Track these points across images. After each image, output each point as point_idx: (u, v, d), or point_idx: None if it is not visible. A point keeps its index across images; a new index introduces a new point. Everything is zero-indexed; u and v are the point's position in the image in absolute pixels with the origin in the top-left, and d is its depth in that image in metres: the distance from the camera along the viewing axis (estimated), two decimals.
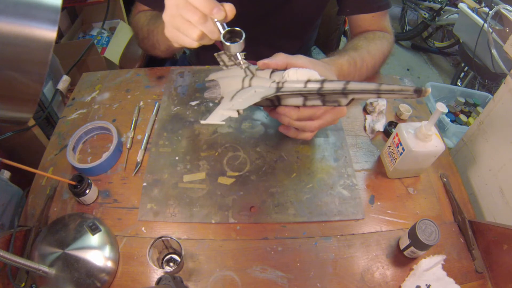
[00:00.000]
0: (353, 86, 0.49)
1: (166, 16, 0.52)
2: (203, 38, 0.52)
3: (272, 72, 0.58)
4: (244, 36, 0.51)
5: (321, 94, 0.53)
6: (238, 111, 0.55)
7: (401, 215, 0.64)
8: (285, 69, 0.57)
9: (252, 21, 0.84)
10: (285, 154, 0.70)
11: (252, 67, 0.60)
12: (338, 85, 0.50)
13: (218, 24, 0.50)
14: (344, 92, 0.50)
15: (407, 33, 2.68)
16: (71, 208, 0.63)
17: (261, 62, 0.58)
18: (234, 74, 0.61)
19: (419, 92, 0.44)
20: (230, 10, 0.49)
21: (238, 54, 0.55)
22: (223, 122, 0.55)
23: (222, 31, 0.50)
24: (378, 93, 0.48)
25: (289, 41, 0.94)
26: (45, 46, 0.36)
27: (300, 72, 0.54)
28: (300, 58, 0.57)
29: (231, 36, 0.52)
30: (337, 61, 0.66)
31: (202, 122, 0.58)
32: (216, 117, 0.57)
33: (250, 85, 0.58)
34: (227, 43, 0.51)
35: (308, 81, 0.53)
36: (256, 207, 0.63)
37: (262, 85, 0.57)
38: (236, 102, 0.57)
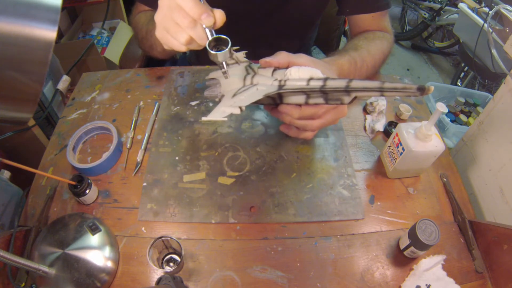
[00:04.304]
0: (356, 84, 0.49)
1: (157, 16, 0.51)
2: (191, 43, 0.51)
3: (274, 70, 0.58)
4: (230, 44, 0.50)
5: (323, 92, 0.53)
6: (240, 108, 0.55)
7: (401, 215, 0.64)
8: (287, 67, 0.57)
9: (252, 21, 0.84)
10: (285, 154, 0.70)
11: (254, 65, 0.60)
12: (341, 83, 0.50)
13: (207, 31, 0.49)
14: (347, 90, 0.50)
15: (407, 33, 2.68)
16: (71, 208, 0.63)
17: (263, 61, 0.58)
18: (235, 73, 0.61)
19: (422, 90, 0.44)
20: (219, 17, 0.49)
21: (224, 63, 0.53)
22: (225, 119, 0.55)
23: (210, 38, 0.49)
24: (381, 91, 0.48)
25: (289, 41, 0.94)
26: (45, 46, 0.36)
27: (302, 70, 0.54)
28: (301, 57, 0.57)
29: (217, 44, 0.50)
30: (337, 61, 0.67)
31: (203, 119, 0.57)
32: (218, 114, 0.56)
33: (251, 83, 0.58)
34: (212, 52, 0.49)
35: (311, 79, 0.52)
36: (256, 207, 0.63)
37: (264, 83, 0.56)
38: (238, 99, 0.57)
